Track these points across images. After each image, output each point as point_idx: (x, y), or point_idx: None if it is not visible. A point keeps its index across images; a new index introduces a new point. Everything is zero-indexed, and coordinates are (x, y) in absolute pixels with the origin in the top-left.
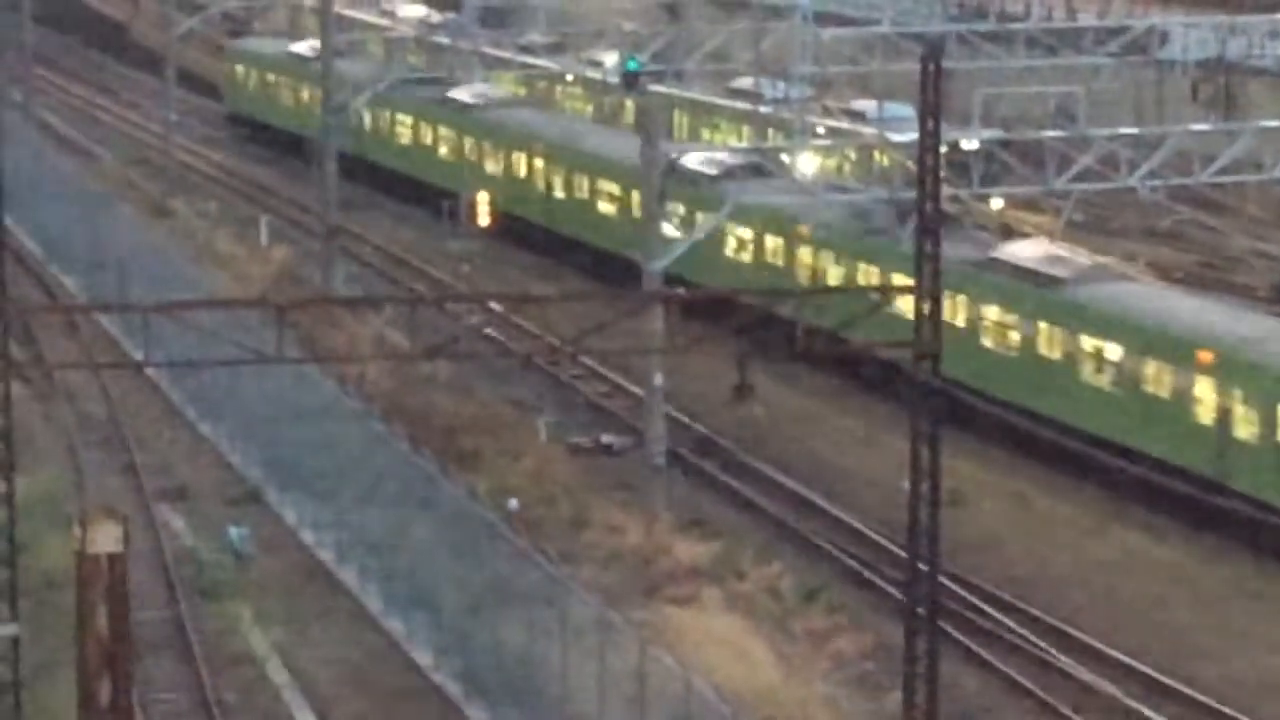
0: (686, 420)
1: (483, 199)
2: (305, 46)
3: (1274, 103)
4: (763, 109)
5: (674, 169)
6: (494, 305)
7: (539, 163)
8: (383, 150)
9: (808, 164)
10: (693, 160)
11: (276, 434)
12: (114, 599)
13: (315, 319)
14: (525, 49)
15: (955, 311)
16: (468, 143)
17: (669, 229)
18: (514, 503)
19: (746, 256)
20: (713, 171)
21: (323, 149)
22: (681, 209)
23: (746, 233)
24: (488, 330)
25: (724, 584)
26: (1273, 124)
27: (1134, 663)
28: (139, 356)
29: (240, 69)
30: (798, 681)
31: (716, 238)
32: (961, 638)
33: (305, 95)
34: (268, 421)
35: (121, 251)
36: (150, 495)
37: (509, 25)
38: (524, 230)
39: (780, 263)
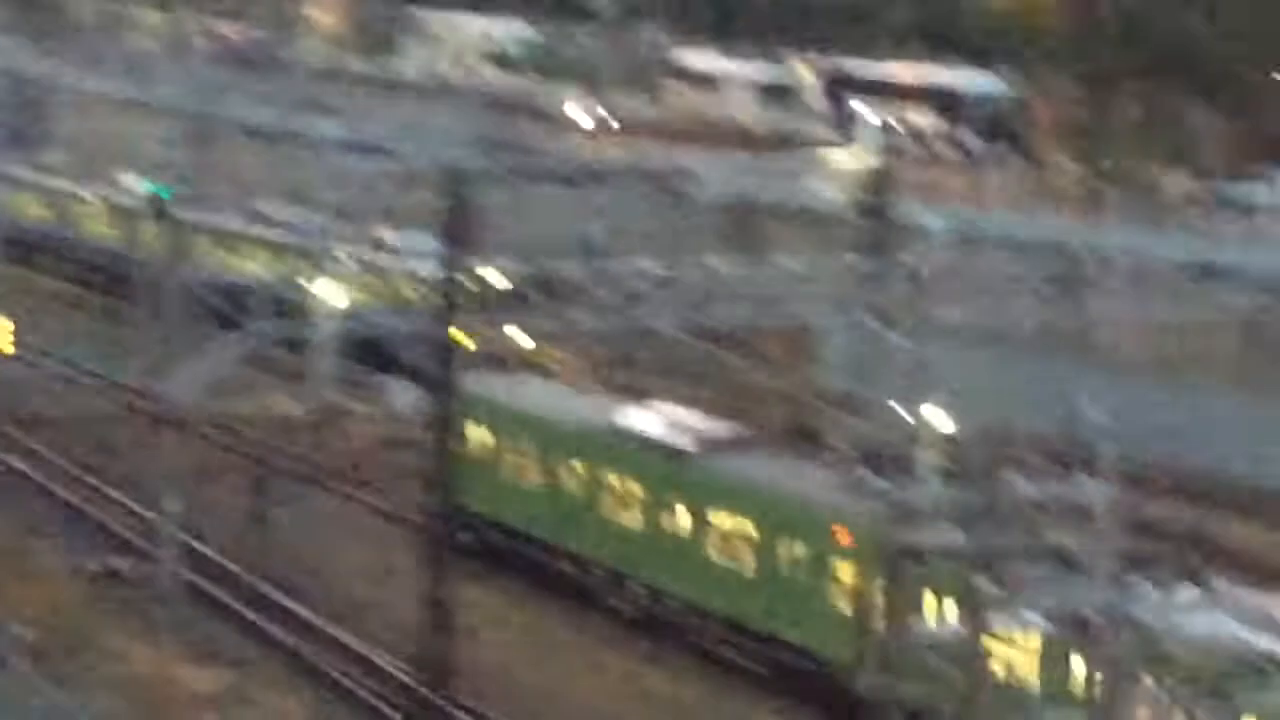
0: (200, 547)
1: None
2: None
3: (797, 242)
4: (289, 237)
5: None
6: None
7: None
8: None
9: (331, 293)
10: None
11: None
12: None
13: None
14: (46, 170)
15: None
16: None
17: None
18: (20, 629)
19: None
20: None
21: None
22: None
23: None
24: None
25: (233, 713)
26: (795, 264)
27: None
28: None
29: (489, 439)
30: None
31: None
32: None
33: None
34: None
35: None
36: None
37: (30, 146)
38: None
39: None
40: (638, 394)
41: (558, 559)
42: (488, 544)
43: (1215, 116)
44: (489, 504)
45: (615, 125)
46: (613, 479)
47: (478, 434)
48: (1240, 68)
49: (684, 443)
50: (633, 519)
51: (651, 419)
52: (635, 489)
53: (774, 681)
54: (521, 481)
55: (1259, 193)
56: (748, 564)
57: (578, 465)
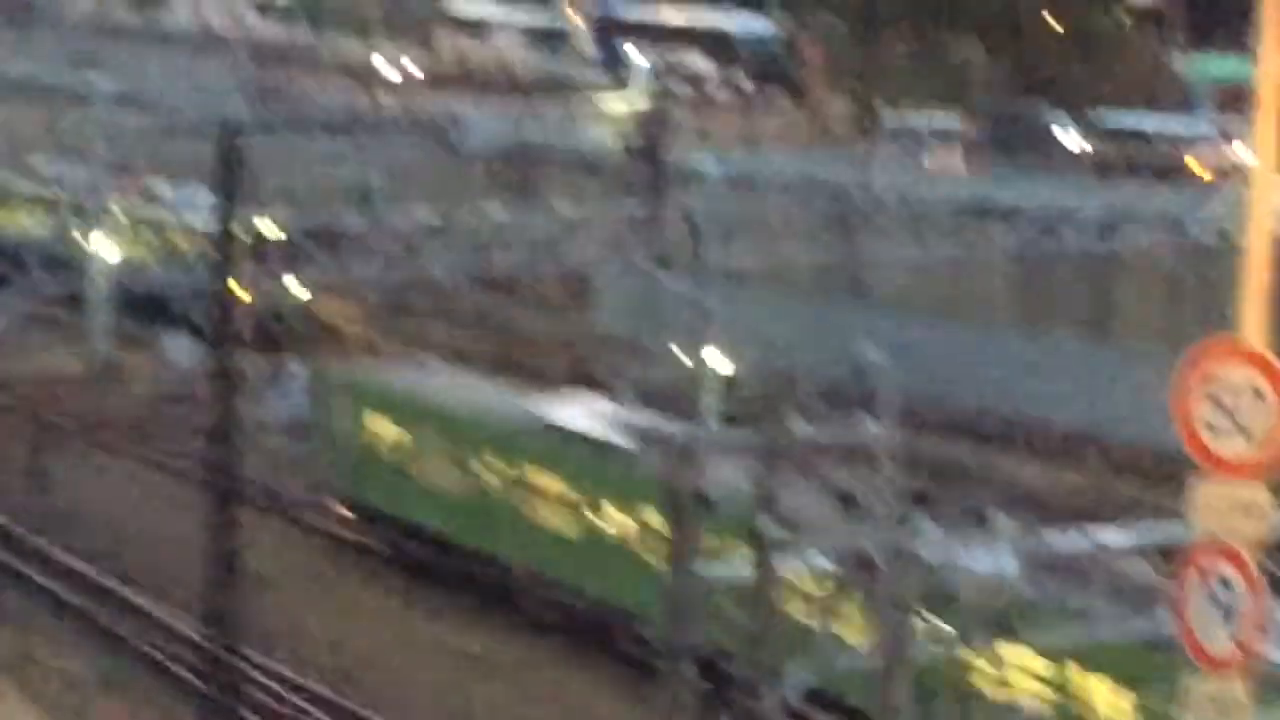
0: None
1: None
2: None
3: (569, 190)
4: (61, 192)
5: None
6: None
7: None
8: None
9: (104, 247)
10: None
11: None
12: None
13: None
14: None
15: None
16: None
17: None
18: None
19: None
20: None
21: None
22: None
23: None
24: None
25: (19, 674)
26: (568, 211)
27: None
28: None
29: (389, 428)
30: None
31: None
32: None
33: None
34: None
35: None
36: None
37: None
38: None
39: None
40: (562, 384)
41: (474, 562)
42: (393, 545)
43: (983, 55)
44: (395, 503)
45: (420, 75)
46: (539, 477)
47: (381, 427)
48: (1007, 5)
49: (619, 438)
50: (561, 520)
51: (579, 411)
52: (563, 488)
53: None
54: (433, 480)
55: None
56: None
57: (499, 462)
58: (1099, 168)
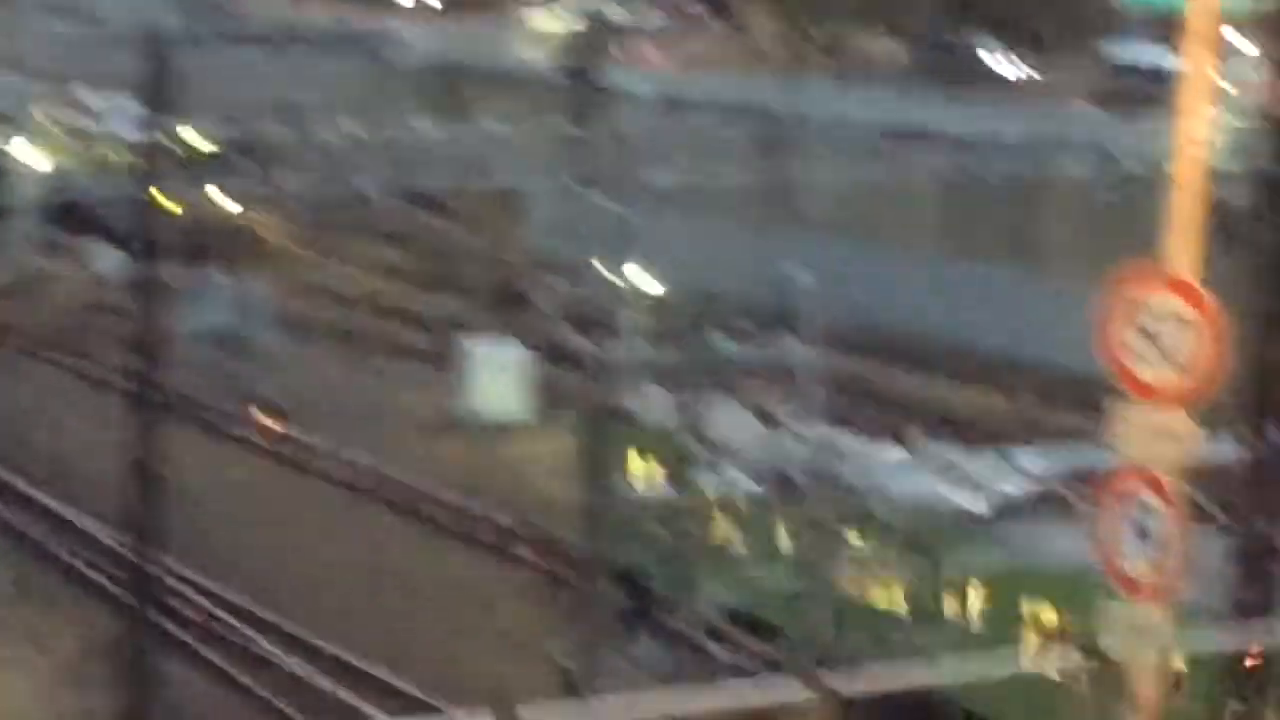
0: None
1: None
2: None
3: (500, 108)
4: None
5: None
6: None
7: None
8: None
9: (31, 157)
10: None
11: None
12: None
13: None
14: None
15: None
16: None
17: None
18: None
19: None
20: None
21: None
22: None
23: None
24: None
25: None
26: (497, 127)
27: (351, 658)
28: None
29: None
30: (13, 679)
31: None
32: (184, 636)
33: None
34: None
35: None
36: None
37: None
38: None
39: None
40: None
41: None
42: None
43: None
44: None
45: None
46: (864, 546)
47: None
48: None
49: (970, 503)
50: (893, 601)
51: (916, 467)
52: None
53: None
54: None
55: None
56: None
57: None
58: (1107, 101)
